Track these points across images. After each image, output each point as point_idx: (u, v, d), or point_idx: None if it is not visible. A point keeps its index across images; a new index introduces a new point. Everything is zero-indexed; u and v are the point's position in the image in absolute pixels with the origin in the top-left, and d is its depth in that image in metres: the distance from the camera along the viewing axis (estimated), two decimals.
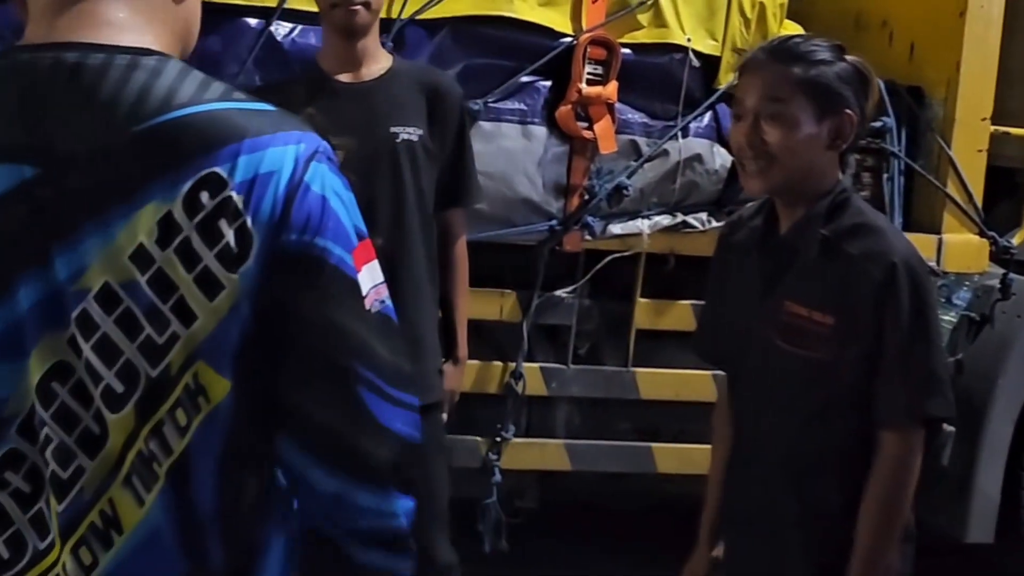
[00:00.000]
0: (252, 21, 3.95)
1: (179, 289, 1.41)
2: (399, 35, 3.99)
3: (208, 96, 1.47)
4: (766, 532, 2.60)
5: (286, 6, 3.94)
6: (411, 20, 3.98)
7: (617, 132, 4.23)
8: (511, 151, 4.13)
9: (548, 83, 4.21)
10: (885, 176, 4.65)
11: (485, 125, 4.09)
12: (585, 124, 4.17)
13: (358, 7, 3.23)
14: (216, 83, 1.50)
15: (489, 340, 4.33)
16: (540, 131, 4.18)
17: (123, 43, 1.48)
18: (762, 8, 4.38)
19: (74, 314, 1.42)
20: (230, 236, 1.42)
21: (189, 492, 1.45)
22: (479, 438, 4.34)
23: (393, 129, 3.31)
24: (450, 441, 4.24)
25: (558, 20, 4.15)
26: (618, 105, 4.23)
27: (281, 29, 3.96)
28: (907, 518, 2.55)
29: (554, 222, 4.22)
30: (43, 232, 1.42)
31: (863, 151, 4.61)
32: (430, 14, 3.99)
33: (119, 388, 1.43)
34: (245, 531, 1.49)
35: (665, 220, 4.39)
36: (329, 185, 1.48)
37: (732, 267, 2.70)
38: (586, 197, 4.24)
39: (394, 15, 3.97)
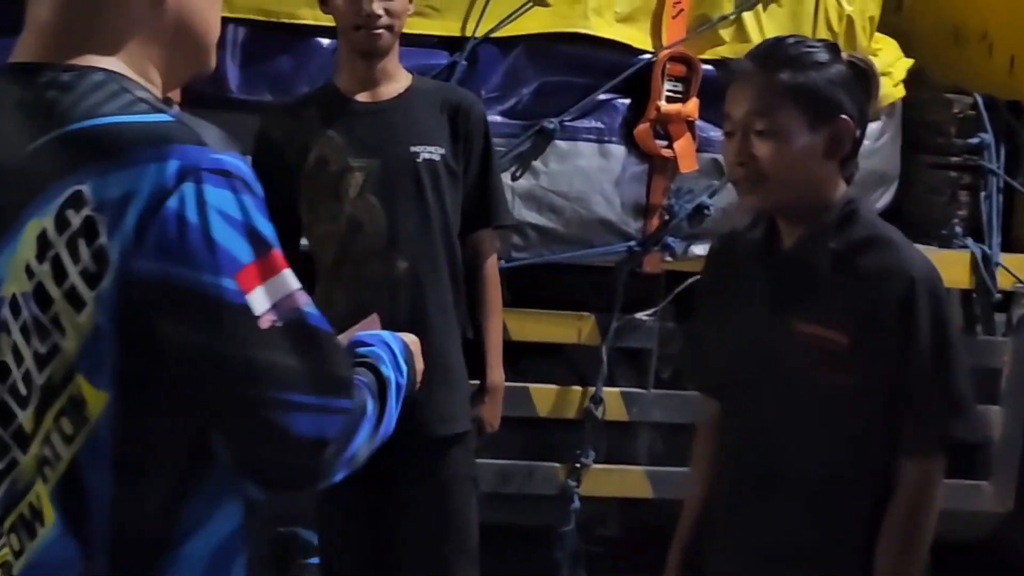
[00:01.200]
0: (324, 41, 3.94)
1: (55, 303, 1.45)
2: (472, 53, 3.95)
3: (104, 110, 1.47)
4: (782, 566, 2.43)
5: None
6: (485, 38, 3.94)
7: (698, 150, 4.12)
8: (588, 171, 4.05)
9: (626, 101, 4.12)
10: (983, 195, 4.46)
11: (561, 144, 4.03)
12: (665, 142, 4.07)
13: (381, 31, 3.17)
14: (126, 96, 1.49)
15: (567, 364, 4.25)
16: (618, 150, 4.10)
17: (67, 61, 1.51)
18: (850, 21, 4.23)
19: (1, 318, 1.50)
20: (88, 255, 1.43)
21: (81, 499, 1.49)
22: (557, 464, 4.24)
23: (414, 148, 3.24)
24: (526, 467, 4.18)
25: (637, 36, 4.07)
26: (700, 123, 4.12)
27: None
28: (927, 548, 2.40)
29: (633, 243, 4.12)
30: None
31: (959, 168, 4.45)
32: (504, 32, 3.94)
33: (23, 391, 1.50)
34: (145, 538, 1.51)
35: None
36: (205, 206, 1.43)
37: (730, 285, 2.52)
38: (666, 217, 4.13)
39: (468, 33, 3.94)
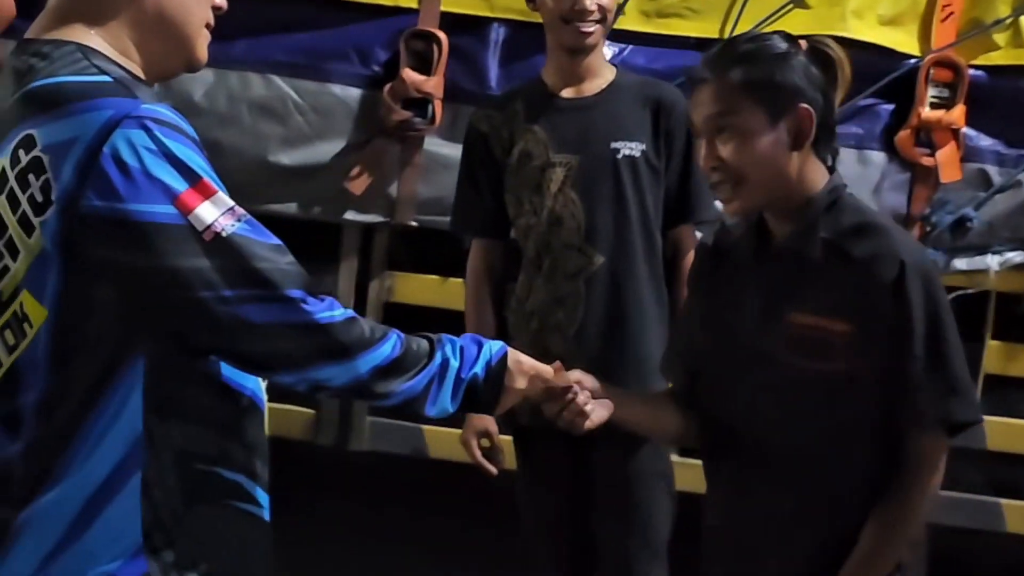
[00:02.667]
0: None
1: (8, 229, 1.76)
2: None
3: (60, 72, 1.77)
4: (774, 564, 2.41)
5: (615, 26, 3.93)
6: None
7: (964, 160, 3.97)
8: (846, 178, 3.92)
9: (889, 107, 4.02)
10: None
11: None
12: (927, 150, 3.94)
13: (593, 27, 3.19)
14: (83, 63, 1.78)
15: None
16: (878, 157, 4.00)
17: (56, 36, 1.82)
18: None
19: None
20: (36, 188, 1.73)
21: (12, 399, 1.78)
22: None
23: (614, 144, 3.26)
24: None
25: (902, 40, 3.97)
26: (967, 131, 3.97)
27: (609, 50, 3.96)
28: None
29: None
30: None
31: None
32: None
33: None
34: (55, 435, 1.77)
35: (1017, 257, 4.08)
36: (139, 148, 1.71)
37: (722, 282, 2.49)
38: (927, 228, 4.00)
39: (725, 35, 3.94)
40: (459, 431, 4.28)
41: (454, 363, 2.03)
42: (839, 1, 3.95)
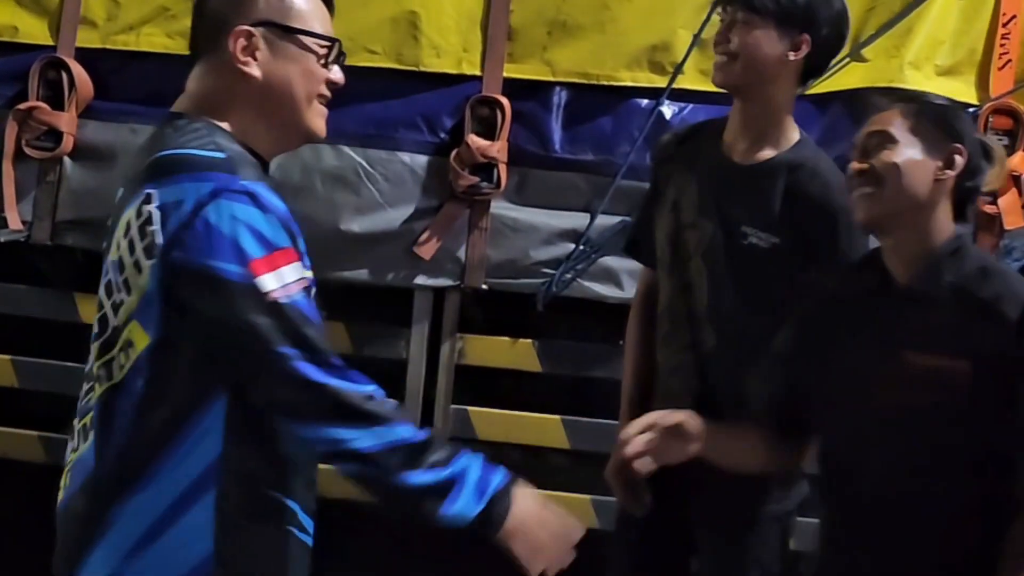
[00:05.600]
0: (643, 102, 4.06)
1: (126, 270, 2.07)
2: None
3: (182, 142, 2.08)
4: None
5: (675, 86, 4.04)
6: (801, 95, 3.91)
7: None
8: None
9: None
10: None
11: None
12: (989, 198, 3.94)
13: (723, 59, 2.96)
14: (207, 138, 2.08)
15: None
16: None
17: (192, 113, 2.14)
18: None
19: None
20: (149, 238, 2.03)
21: (110, 415, 2.08)
22: None
23: (744, 228, 2.96)
24: None
25: (960, 89, 3.99)
26: None
27: (669, 109, 4.09)
28: None
29: None
30: None
31: None
32: (820, 88, 3.90)
33: (96, 329, 2.15)
34: (143, 454, 2.04)
35: None
36: (228, 216, 2.00)
37: (838, 321, 2.56)
38: None
39: None
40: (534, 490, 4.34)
41: (477, 467, 2.11)
42: (896, 53, 3.99)
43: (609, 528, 4.25)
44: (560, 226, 4.15)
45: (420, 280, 4.21)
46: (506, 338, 4.28)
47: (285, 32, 2.14)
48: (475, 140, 4.05)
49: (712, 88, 4.00)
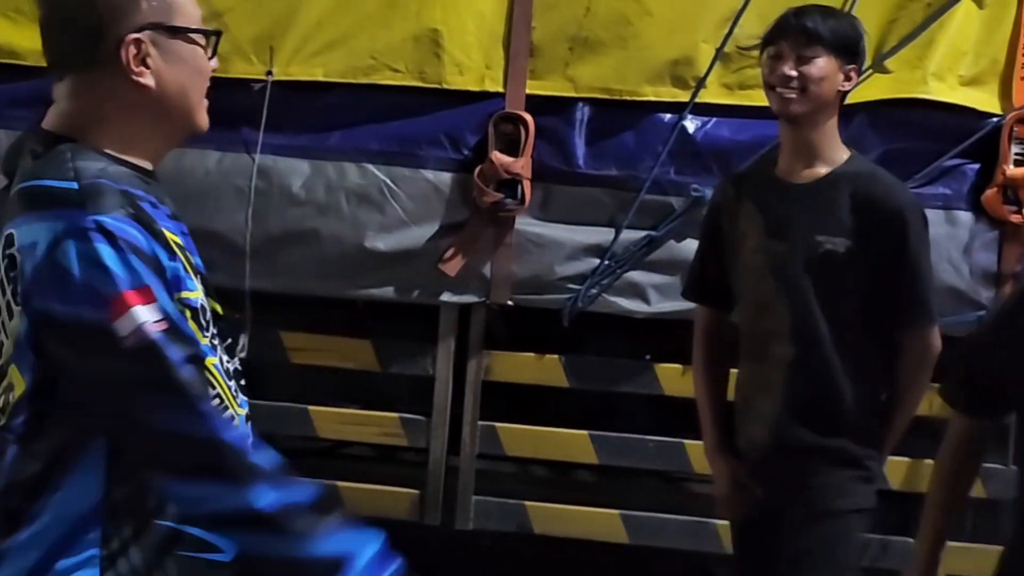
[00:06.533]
0: (666, 116, 4.08)
1: (2, 312, 1.96)
2: None
3: (40, 172, 1.94)
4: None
5: (698, 100, 4.05)
6: None
7: None
8: (935, 238, 3.86)
9: (975, 166, 4.04)
10: None
11: None
12: (1015, 207, 3.95)
13: (793, 94, 3.06)
14: (64, 162, 1.93)
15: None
16: (966, 217, 4.02)
17: (58, 129, 2.01)
18: None
19: None
20: (14, 283, 1.92)
21: (1, 455, 1.98)
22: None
23: (818, 238, 3.08)
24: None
25: (983, 99, 4.00)
26: None
27: (692, 123, 4.09)
28: None
29: (983, 312, 3.99)
30: None
31: None
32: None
33: None
34: (24, 491, 1.96)
35: None
36: (78, 257, 1.86)
37: None
38: (1020, 285, 3.97)
39: None
40: (562, 506, 4.35)
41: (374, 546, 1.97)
42: (919, 64, 4.00)
43: (639, 543, 4.30)
44: (585, 241, 4.16)
45: (446, 297, 4.23)
46: (532, 354, 4.29)
47: (172, 32, 2.01)
48: (499, 157, 4.06)
49: (735, 102, 4.06)
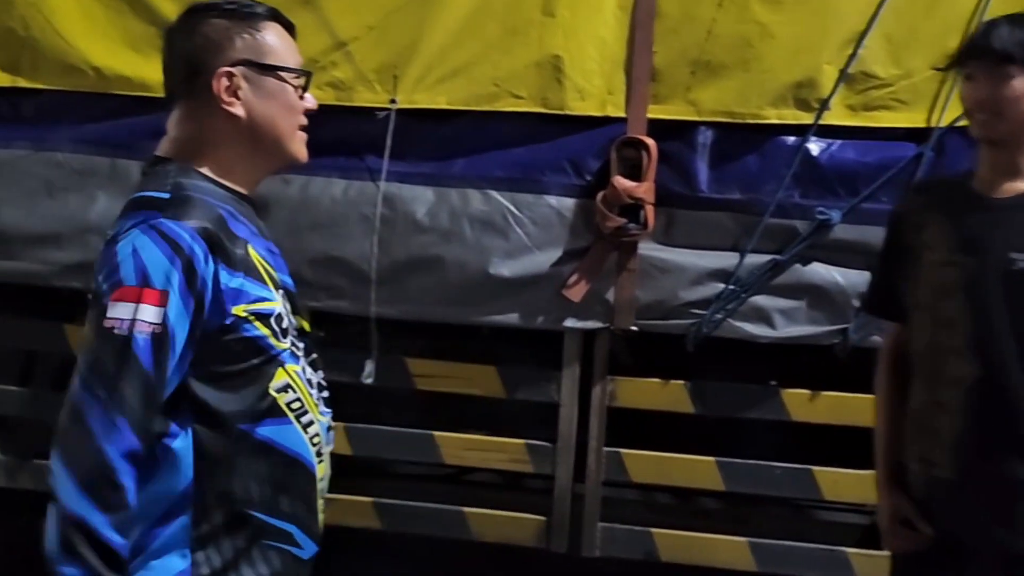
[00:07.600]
0: (789, 139, 4.04)
1: None
2: (939, 144, 3.93)
3: (146, 185, 2.20)
4: None
5: (821, 122, 4.01)
6: (951, 128, 3.89)
7: None
8: None
9: None
10: None
11: None
12: None
13: (983, 117, 2.94)
14: (167, 178, 2.19)
15: None
16: None
17: (162, 154, 2.28)
18: None
19: None
20: None
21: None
22: None
23: (1013, 255, 2.94)
24: None
25: None
26: None
27: (816, 146, 4.05)
28: None
29: None
30: None
31: None
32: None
33: None
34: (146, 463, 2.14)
35: None
36: (130, 244, 2.11)
37: None
38: None
39: (933, 123, 3.94)
40: (689, 533, 4.31)
41: None
42: None
43: (766, 571, 4.24)
44: (709, 266, 4.13)
45: (569, 323, 4.23)
46: (657, 380, 4.27)
47: (263, 69, 2.26)
48: (621, 181, 4.06)
49: (860, 123, 4.01)
